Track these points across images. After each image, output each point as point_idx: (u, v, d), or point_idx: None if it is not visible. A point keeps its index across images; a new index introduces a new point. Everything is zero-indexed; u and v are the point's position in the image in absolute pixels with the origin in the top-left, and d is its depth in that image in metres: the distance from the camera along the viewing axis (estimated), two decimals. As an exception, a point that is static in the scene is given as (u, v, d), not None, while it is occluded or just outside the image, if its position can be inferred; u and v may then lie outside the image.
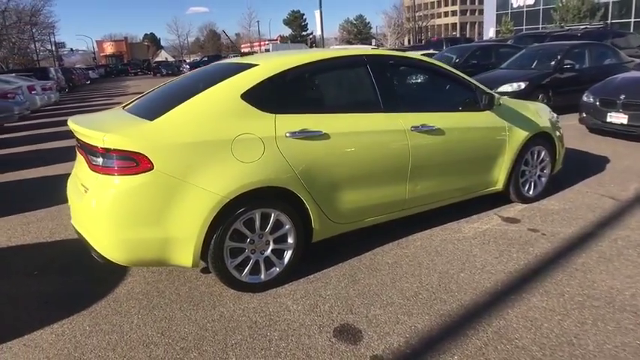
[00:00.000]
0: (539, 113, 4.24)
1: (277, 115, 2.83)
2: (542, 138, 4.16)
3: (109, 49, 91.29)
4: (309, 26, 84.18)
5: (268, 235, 2.85)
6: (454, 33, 75.37)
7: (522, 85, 8.30)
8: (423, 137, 3.34)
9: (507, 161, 3.92)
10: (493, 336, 2.35)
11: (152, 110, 2.80)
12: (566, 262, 3.10)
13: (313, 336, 2.42)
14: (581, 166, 5.38)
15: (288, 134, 2.80)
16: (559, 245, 3.38)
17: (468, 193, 3.85)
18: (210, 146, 2.61)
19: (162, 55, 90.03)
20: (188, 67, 41.35)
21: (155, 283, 3.04)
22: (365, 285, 2.91)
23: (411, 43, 48.10)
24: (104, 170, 2.53)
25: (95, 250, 2.64)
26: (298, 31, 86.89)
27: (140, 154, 2.48)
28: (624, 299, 2.63)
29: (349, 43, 64.40)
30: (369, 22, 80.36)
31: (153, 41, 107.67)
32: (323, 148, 2.92)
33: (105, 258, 2.63)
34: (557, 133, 4.35)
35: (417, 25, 61.72)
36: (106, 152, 2.51)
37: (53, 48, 53.35)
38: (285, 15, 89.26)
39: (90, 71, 43.82)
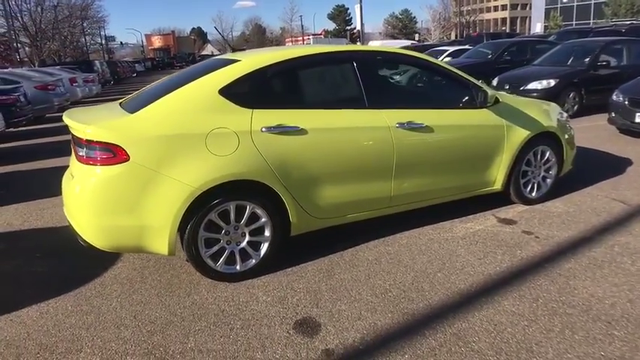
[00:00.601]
0: (545, 112, 4.07)
1: (255, 110, 2.88)
2: (546, 138, 3.99)
3: (156, 42, 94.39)
4: (353, 21, 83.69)
5: (244, 227, 2.92)
6: (503, 28, 72.51)
7: (552, 82, 7.94)
8: (410, 134, 3.30)
9: (506, 161, 3.80)
10: (450, 337, 2.32)
11: (136, 104, 2.93)
12: (552, 267, 2.99)
13: (273, 327, 2.47)
14: (600, 168, 5.11)
15: (264, 129, 2.86)
16: (550, 249, 3.26)
17: (463, 192, 3.77)
18: (185, 139, 2.70)
19: (209, 49, 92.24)
20: None
21: (141, 269, 3.19)
22: (338, 280, 2.93)
23: (457, 37, 46.76)
24: (86, 160, 2.68)
25: (80, 236, 2.81)
26: (342, 26, 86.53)
27: (117, 145, 2.61)
28: (602, 308, 2.51)
29: (393, 38, 63.51)
30: (414, 17, 78.84)
31: (199, 35, 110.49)
32: (300, 143, 2.95)
33: (88, 243, 2.79)
34: (566, 134, 4.16)
35: (464, 20, 59.96)
36: (88, 143, 2.66)
37: (103, 41, 56.01)
38: (330, 9, 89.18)
39: (136, 64, 45.51)
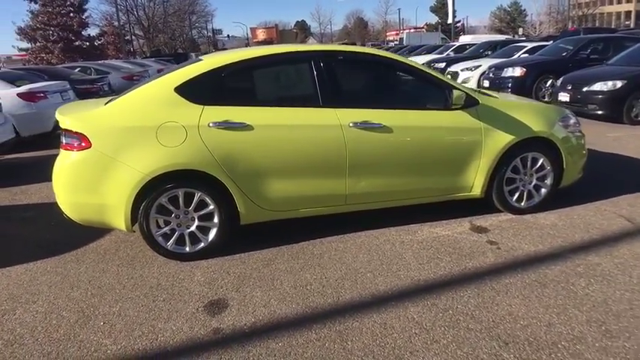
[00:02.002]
0: (541, 116, 3.76)
1: (205, 107, 3.15)
2: (539, 144, 3.71)
3: (260, 35, 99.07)
4: (457, 14, 79.94)
5: (193, 212, 3.22)
6: (627, 22, 63.76)
7: (618, 84, 7.05)
8: (364, 134, 3.32)
9: (484, 166, 3.61)
10: (332, 334, 2.38)
11: (112, 99, 3.36)
12: (489, 280, 2.85)
13: (188, 303, 2.74)
14: (631, 180, 4.57)
15: (211, 124, 3.11)
16: (502, 262, 3.08)
17: (433, 195, 3.68)
18: (139, 131, 3.06)
19: (311, 42, 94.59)
20: None
21: (121, 243, 3.66)
22: (273, 269, 3.11)
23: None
24: (64, 146, 3.16)
25: (62, 210, 3.33)
26: (445, 19, 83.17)
27: (82, 134, 3.05)
28: (510, 328, 2.38)
29: (500, 32, 59.48)
30: (524, 9, 72.79)
31: (302, 29, 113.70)
32: (245, 138, 3.15)
33: (68, 217, 3.30)
34: (568, 142, 3.81)
35: (581, 13, 54.17)
36: (64, 132, 3.14)
37: (210, 34, 60.61)
38: (433, 2, 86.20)
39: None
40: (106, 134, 3.06)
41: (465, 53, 15.04)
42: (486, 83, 10.28)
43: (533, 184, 3.83)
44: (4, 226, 4.28)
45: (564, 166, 3.82)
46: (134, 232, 3.27)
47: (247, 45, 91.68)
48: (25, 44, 26.98)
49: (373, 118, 3.34)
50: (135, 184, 3.03)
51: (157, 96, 3.17)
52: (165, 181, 3.09)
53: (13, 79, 7.58)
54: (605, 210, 3.88)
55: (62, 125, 3.14)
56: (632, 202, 4.03)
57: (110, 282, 3.05)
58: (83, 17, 27.80)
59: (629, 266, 2.95)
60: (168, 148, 3.05)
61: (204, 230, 3.28)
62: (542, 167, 3.79)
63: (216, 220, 3.25)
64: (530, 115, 3.73)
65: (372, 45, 41.01)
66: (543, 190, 3.86)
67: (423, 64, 15.44)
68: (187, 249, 3.26)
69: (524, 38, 29.41)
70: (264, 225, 3.53)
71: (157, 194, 3.11)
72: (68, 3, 26.15)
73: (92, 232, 3.74)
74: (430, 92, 3.54)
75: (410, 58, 17.35)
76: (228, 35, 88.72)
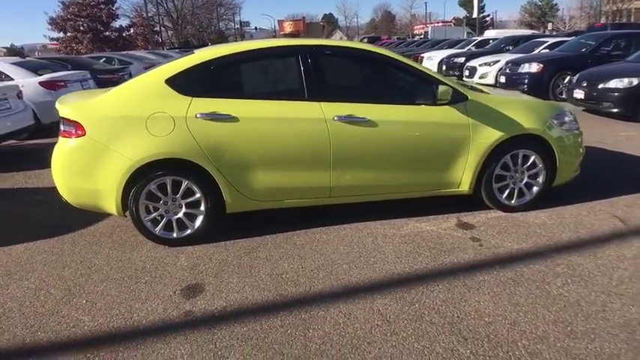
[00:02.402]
0: (533, 113, 3.70)
1: (194, 99, 3.24)
2: (530, 141, 3.66)
3: (287, 28, 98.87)
4: (486, 8, 77.90)
5: (180, 199, 3.33)
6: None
7: (635, 81, 6.80)
8: (349, 128, 3.35)
9: (472, 162, 3.59)
10: (297, 321, 2.45)
11: (110, 89, 3.50)
12: (463, 277, 2.86)
13: (167, 286, 2.86)
14: (635, 180, 4.45)
15: (198, 115, 3.21)
16: (482, 259, 3.08)
17: (419, 190, 3.68)
18: (130, 120, 3.18)
19: (338, 35, 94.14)
20: None
21: (117, 227, 3.82)
22: (253, 257, 3.20)
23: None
24: (62, 134, 3.32)
25: (60, 194, 3.50)
26: (472, 13, 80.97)
27: (77, 122, 3.20)
28: (472, 324, 2.39)
29: (530, 26, 57.64)
30: (555, 4, 70.15)
31: (329, 22, 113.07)
32: (231, 130, 3.23)
33: (66, 200, 3.47)
34: (562, 139, 3.75)
35: (615, 8, 51.85)
36: (62, 120, 3.30)
37: (237, 26, 61.10)
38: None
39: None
40: (100, 123, 3.20)
41: (486, 48, 14.71)
42: (503, 79, 10.07)
43: (524, 181, 3.79)
44: (13, 206, 4.53)
45: (557, 165, 3.76)
46: (126, 216, 3.41)
47: (275, 37, 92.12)
48: (56, 34, 28.01)
49: (358, 112, 3.36)
50: (125, 170, 3.16)
51: (148, 87, 3.29)
52: (154, 168, 3.21)
53: (36, 68, 7.91)
54: (600, 210, 3.80)
55: (60, 114, 3.29)
56: (630, 202, 3.93)
57: (99, 263, 3.21)
58: (113, 9, 28.56)
59: (611, 268, 2.91)
60: (157, 138, 3.17)
61: (191, 217, 3.39)
62: (533, 165, 3.74)
63: (202, 207, 3.36)
64: (521, 111, 3.68)
65: (397, 39, 40.44)
66: (535, 189, 3.81)
67: (442, 58, 15.41)
68: (175, 235, 3.38)
69: (551, 33, 28.44)
70: (252, 214, 3.62)
71: (146, 181, 3.23)
72: None
73: (91, 216, 3.91)
74: (418, 87, 3.53)
75: (431, 52, 17.10)
76: (255, 27, 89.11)
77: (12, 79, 7.28)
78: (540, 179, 3.78)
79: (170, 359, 2.21)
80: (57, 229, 3.79)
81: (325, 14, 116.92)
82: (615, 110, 7.00)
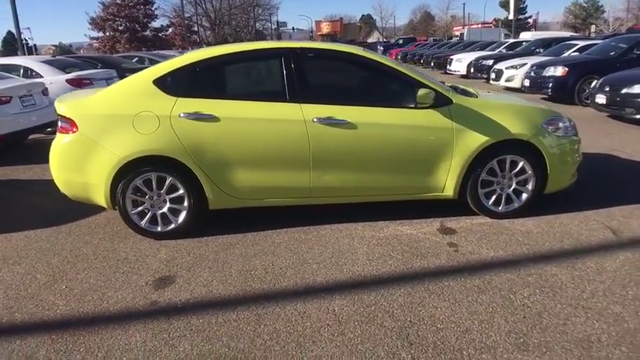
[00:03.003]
0: (522, 117, 3.61)
1: (179, 99, 3.37)
2: (518, 146, 3.57)
3: (324, 28, 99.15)
4: (528, 9, 75.17)
5: (165, 195, 3.47)
6: None
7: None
8: (328, 129, 3.39)
9: (456, 166, 3.55)
10: (250, 316, 2.52)
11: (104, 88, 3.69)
12: (430, 282, 2.84)
13: (141, 276, 3.00)
14: (640, 191, 4.27)
15: (182, 114, 3.33)
16: (453, 265, 3.05)
17: (401, 194, 3.67)
18: (118, 118, 3.35)
19: (375, 36, 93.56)
20: (382, 48, 42.50)
21: (112, 219, 4.01)
22: (229, 254, 3.29)
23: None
24: (59, 129, 3.53)
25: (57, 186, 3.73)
26: (515, 14, 78.31)
27: (71, 119, 3.40)
28: (422, 329, 2.38)
29: (574, 28, 55.23)
30: (601, 5, 66.66)
31: (367, 22, 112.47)
32: (212, 129, 3.34)
33: (62, 192, 3.69)
34: (555, 145, 3.64)
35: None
36: (59, 117, 3.51)
37: (274, 27, 62.01)
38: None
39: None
40: (91, 120, 3.38)
41: (517, 50, 14.27)
42: (527, 82, 9.75)
43: (512, 188, 3.70)
44: (23, 196, 4.84)
45: (548, 171, 3.65)
46: (115, 209, 3.59)
47: (311, 38, 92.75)
48: (95, 33, 29.47)
49: (338, 114, 3.40)
50: (113, 166, 3.33)
51: (137, 87, 3.45)
52: (140, 164, 3.36)
53: (64, 67, 8.37)
54: (594, 220, 3.66)
55: (57, 111, 3.50)
56: (628, 213, 3.76)
57: (87, 252, 3.39)
58: (152, 9, 29.68)
59: (587, 280, 2.81)
60: (142, 135, 3.32)
61: (175, 212, 3.53)
62: (522, 171, 3.65)
63: (185, 203, 3.49)
64: (510, 116, 3.60)
65: (433, 40, 39.72)
66: (524, 196, 3.72)
67: (471, 61, 15.04)
68: (159, 228, 3.53)
69: (595, 36, 27.15)
70: (237, 211, 3.72)
71: (132, 176, 3.39)
72: None
73: (91, 209, 4.11)
74: (400, 90, 3.52)
75: (460, 54, 16.72)
76: (293, 28, 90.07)
77: (41, 77, 7.74)
78: (530, 186, 3.69)
79: (125, 345, 2.33)
80: (57, 219, 4.03)
81: (363, 15, 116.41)
82: (639, 117, 6.65)
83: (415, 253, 3.22)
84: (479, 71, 14.14)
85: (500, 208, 3.72)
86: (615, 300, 2.59)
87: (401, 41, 42.94)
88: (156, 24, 31.06)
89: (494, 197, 3.71)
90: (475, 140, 3.50)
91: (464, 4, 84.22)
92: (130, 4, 27.87)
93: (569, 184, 3.90)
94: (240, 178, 3.46)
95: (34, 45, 60.52)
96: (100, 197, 3.46)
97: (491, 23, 63.25)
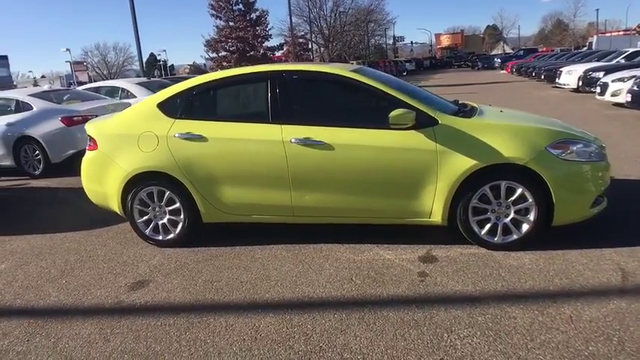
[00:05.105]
0: (519, 139, 3.24)
1: (176, 120, 3.75)
2: (515, 172, 3.22)
3: (444, 41, 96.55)
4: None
5: (165, 207, 3.86)
6: None
7: None
8: (306, 150, 3.45)
9: (442, 192, 3.32)
10: (180, 322, 2.70)
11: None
12: (369, 310, 2.72)
13: (127, 278, 3.39)
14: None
15: (176, 135, 3.70)
16: (408, 295, 2.87)
17: (384, 217, 3.55)
18: (126, 138, 3.84)
19: (501, 48, 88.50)
20: (499, 60, 40.07)
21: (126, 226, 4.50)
22: (207, 264, 3.52)
23: None
24: (88, 147, 4.16)
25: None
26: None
27: (94, 138, 3.99)
28: (323, 358, 2.32)
29: None
30: None
31: (493, 33, 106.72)
32: (201, 148, 3.64)
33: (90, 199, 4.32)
34: (562, 171, 3.21)
35: None
36: (88, 136, 4.14)
37: (389, 42, 62.63)
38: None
39: (407, 63, 48.61)
40: (107, 139, 3.94)
41: (634, 61, 12.33)
42: (629, 97, 8.42)
43: (510, 217, 3.34)
44: (79, 203, 5.59)
45: (554, 201, 3.22)
46: (129, 217, 4.09)
47: (430, 51, 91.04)
48: (210, 54, 32.91)
49: (315, 135, 3.44)
50: (122, 179, 3.83)
51: (144, 110, 3.93)
52: (144, 179, 3.81)
53: (155, 88, 9.58)
54: (609, 259, 3.12)
55: (87, 132, 4.15)
56: (662, 256, 3.13)
57: (99, 254, 3.93)
58: (266, 29, 32.18)
59: (545, 328, 2.43)
60: (144, 153, 3.76)
61: (174, 223, 3.89)
62: (522, 199, 3.27)
63: (182, 216, 3.83)
64: (505, 137, 3.26)
65: (560, 50, 36.12)
66: (525, 227, 3.32)
67: (581, 73, 13.38)
68: (160, 237, 3.93)
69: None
70: (241, 225, 3.95)
71: (137, 189, 3.84)
72: (247, 18, 30.87)
73: (114, 216, 4.71)
74: (383, 111, 3.42)
75: (572, 66, 15.01)
76: (411, 42, 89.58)
77: (135, 97, 9.01)
78: (532, 216, 3.28)
79: (74, 334, 2.69)
80: (96, 224, 4.68)
81: (488, 26, 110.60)
82: None
83: (378, 279, 3.10)
84: (588, 85, 12.54)
85: (496, 238, 3.37)
86: (564, 355, 2.21)
87: (521, 52, 39.85)
88: (270, 43, 33.62)
89: (488, 226, 3.38)
90: (462, 164, 3.25)
91: (597, 10, 75.00)
92: (240, 27, 30.67)
93: (588, 216, 3.38)
94: (228, 195, 3.70)
95: (172, 65, 69.03)
96: (115, 206, 3.98)
97: (634, 30, 55.36)
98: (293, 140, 3.47)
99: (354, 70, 3.66)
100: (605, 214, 3.52)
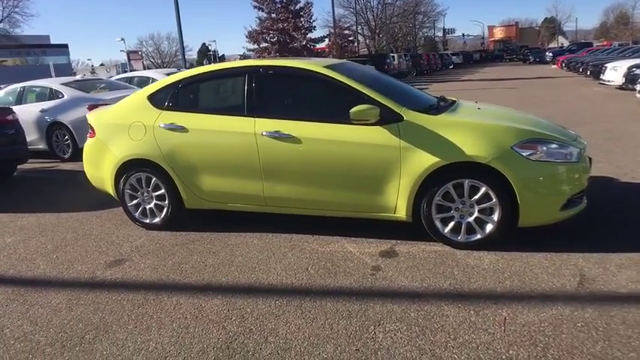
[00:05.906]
0: (484, 138, 3.19)
1: (163, 112, 3.98)
2: (480, 171, 3.18)
3: (498, 34, 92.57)
4: None
5: (152, 192, 4.11)
6: None
7: None
8: (275, 143, 3.56)
9: (406, 188, 3.34)
10: (139, 299, 2.92)
11: (124, 101, 4.54)
12: (308, 299, 2.81)
13: (109, 256, 3.67)
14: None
15: (161, 125, 3.92)
16: (353, 288, 2.93)
17: (349, 210, 3.61)
18: (119, 127, 4.12)
19: (560, 41, 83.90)
20: (551, 54, 38.13)
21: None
22: (183, 248, 3.74)
23: None
24: (89, 134, 4.49)
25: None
26: None
27: (92, 126, 4.31)
28: (248, 340, 2.44)
29: None
30: None
31: (549, 26, 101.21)
32: (182, 139, 3.85)
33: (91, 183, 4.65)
34: (527, 172, 3.13)
35: None
36: (89, 124, 4.46)
37: (439, 34, 61.08)
38: None
39: (453, 56, 47.18)
40: (103, 127, 4.25)
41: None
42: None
43: (474, 216, 3.30)
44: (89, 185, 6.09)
45: (519, 201, 3.15)
46: (123, 200, 4.39)
47: (482, 44, 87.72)
48: (251, 45, 33.35)
49: (284, 128, 3.55)
50: (114, 165, 4.12)
51: (136, 101, 4.18)
52: (133, 165, 4.08)
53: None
54: (574, 264, 3.02)
55: (88, 120, 4.47)
56: (629, 262, 2.98)
57: (95, 233, 4.25)
58: (310, 21, 32.16)
59: (473, 329, 2.42)
60: (133, 141, 4.02)
61: (160, 208, 4.14)
62: (486, 198, 3.22)
63: (166, 201, 4.07)
64: (470, 135, 3.22)
65: (619, 45, 33.73)
66: (489, 227, 3.27)
67: (627, 68, 12.49)
68: (147, 220, 4.20)
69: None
70: (226, 212, 4.13)
71: (128, 175, 4.12)
72: (289, 10, 30.97)
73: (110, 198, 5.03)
74: (349, 107, 3.43)
75: (618, 62, 14.07)
76: (463, 34, 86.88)
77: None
78: (496, 216, 3.23)
79: (45, 303, 2.98)
80: (101, 205, 5.02)
81: (546, 18, 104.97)
82: None
83: (331, 271, 3.18)
84: (631, 82, 11.71)
85: (459, 237, 3.35)
86: (480, 356, 2.21)
87: (574, 47, 37.63)
88: (315, 34, 33.63)
89: (451, 224, 3.36)
90: (424, 161, 3.25)
91: (663, 0, 68.06)
92: (282, 18, 30.85)
93: (559, 219, 3.27)
94: (206, 183, 3.89)
95: (223, 55, 70.62)
96: (110, 189, 4.28)
97: None
98: (264, 133, 3.60)
99: (329, 66, 3.72)
100: (598, 215, 3.40)
